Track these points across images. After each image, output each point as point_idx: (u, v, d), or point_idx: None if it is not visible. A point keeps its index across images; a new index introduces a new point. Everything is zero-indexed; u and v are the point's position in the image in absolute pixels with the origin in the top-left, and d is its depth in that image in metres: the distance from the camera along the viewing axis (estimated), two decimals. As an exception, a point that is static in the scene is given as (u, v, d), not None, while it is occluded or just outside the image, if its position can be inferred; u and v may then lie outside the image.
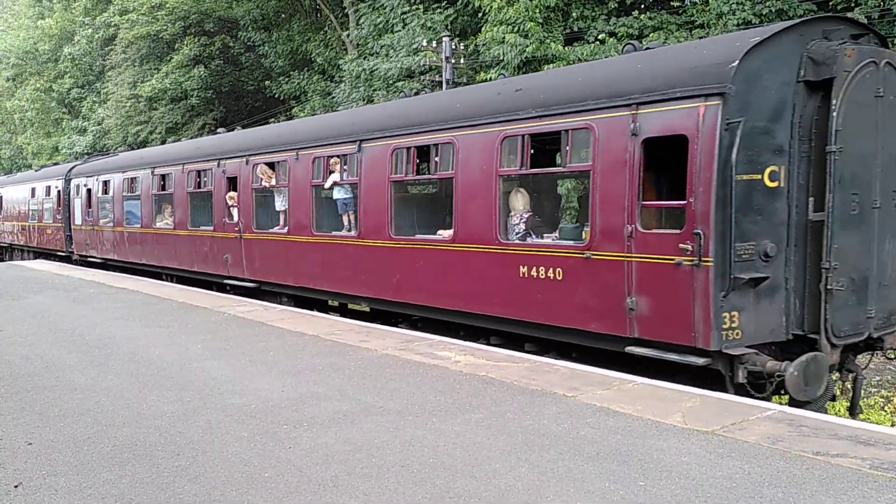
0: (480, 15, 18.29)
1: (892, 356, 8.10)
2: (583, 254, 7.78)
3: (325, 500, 4.47)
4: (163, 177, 16.62)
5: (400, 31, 20.37)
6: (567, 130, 7.95)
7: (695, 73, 6.88)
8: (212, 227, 14.81)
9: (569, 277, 7.95)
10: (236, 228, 13.88)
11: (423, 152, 10.00)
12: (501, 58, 16.77)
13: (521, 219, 8.74)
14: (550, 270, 8.15)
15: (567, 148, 8.00)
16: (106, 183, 20.00)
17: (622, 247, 7.40)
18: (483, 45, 17.65)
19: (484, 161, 8.84)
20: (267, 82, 31.42)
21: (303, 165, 12.02)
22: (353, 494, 4.52)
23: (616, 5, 16.69)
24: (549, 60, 16.00)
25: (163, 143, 33.50)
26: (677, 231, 7.00)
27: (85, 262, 21.88)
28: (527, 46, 16.04)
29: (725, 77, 6.54)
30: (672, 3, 16.39)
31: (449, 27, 19.24)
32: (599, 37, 16.02)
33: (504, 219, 8.77)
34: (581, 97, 7.88)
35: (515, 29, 16.42)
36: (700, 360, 6.90)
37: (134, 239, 18.40)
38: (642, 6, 17.34)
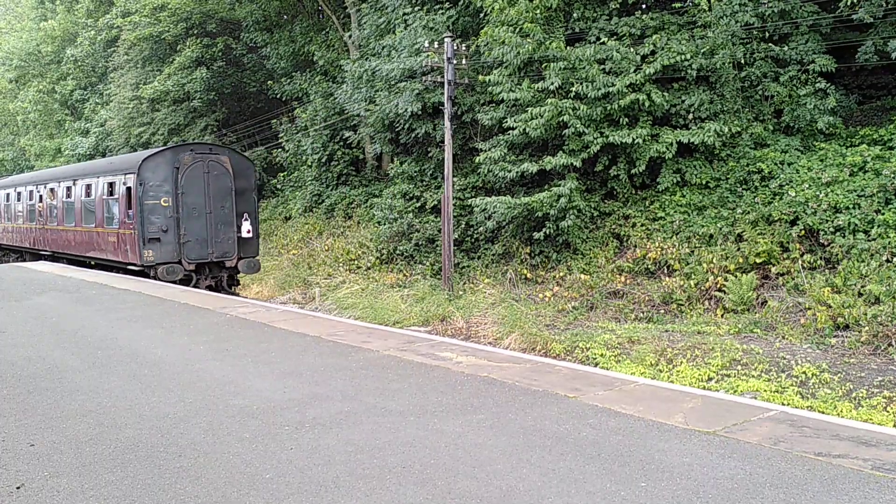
0: (482, 15, 18.26)
1: (238, 268, 18.59)
2: (118, 230, 18.60)
3: (327, 500, 4.47)
4: (19, 193, 27.53)
5: (402, 31, 20.37)
6: (114, 181, 18.82)
7: (131, 164, 18.05)
8: (33, 223, 25.76)
9: (118, 240, 18.65)
10: (42, 223, 24.68)
11: (90, 186, 20.48)
12: (502, 59, 16.75)
13: (117, 218, 18.68)
14: (114, 237, 18.93)
15: (117, 188, 18.61)
16: None
17: (124, 227, 18.21)
18: (485, 45, 17.62)
19: (101, 192, 19.63)
20: (269, 83, 31.43)
21: (62, 189, 22.66)
22: (354, 495, 4.53)
23: (618, 6, 16.64)
24: (550, 61, 15.96)
25: (164, 143, 33.64)
26: (131, 221, 17.60)
27: None
28: (524, 47, 16.01)
29: (136, 167, 17.34)
30: (674, 5, 16.35)
31: (450, 28, 19.21)
32: (601, 37, 15.98)
33: (107, 217, 19.23)
34: (116, 169, 19.18)
35: (516, 30, 16.39)
36: (137, 268, 17.79)
37: (5, 230, 29.89)
38: (644, 6, 17.29)
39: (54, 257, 23.95)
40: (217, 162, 18.17)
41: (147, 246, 17.27)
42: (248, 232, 18.56)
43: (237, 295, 18.47)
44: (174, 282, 17.03)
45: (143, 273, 17.76)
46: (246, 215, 18.59)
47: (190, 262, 17.74)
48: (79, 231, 21.52)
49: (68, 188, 22.09)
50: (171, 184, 17.51)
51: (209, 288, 17.93)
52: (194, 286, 17.47)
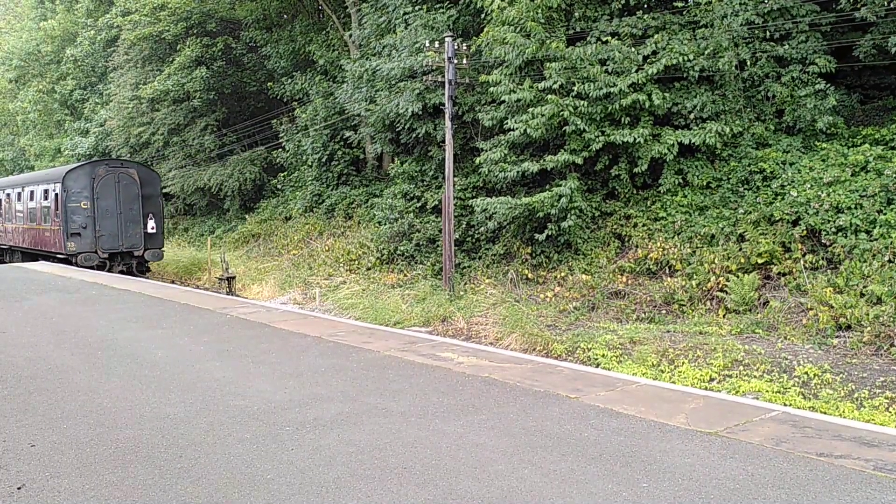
0: (483, 15, 18.24)
1: (144, 257, 23.54)
2: (51, 227, 23.55)
3: (328, 501, 4.46)
4: None
5: (402, 31, 20.35)
6: (48, 188, 23.75)
7: (58, 175, 23.40)
8: None
9: (52, 235, 23.43)
10: (2, 222, 29.22)
11: (33, 192, 24.96)
12: (503, 58, 16.72)
13: (50, 218, 23.19)
14: (48, 232, 23.70)
15: (50, 194, 23.50)
16: None
17: (54, 225, 23.31)
18: (486, 45, 17.59)
19: (43, 197, 24.00)
20: (269, 83, 31.40)
21: (15, 195, 27.32)
22: (355, 496, 4.51)
23: (620, 7, 16.61)
24: (551, 61, 15.94)
25: (165, 144, 33.55)
26: (59, 220, 22.91)
27: None
28: (527, 47, 15.98)
29: (62, 177, 22.67)
30: (675, 4, 16.31)
31: (451, 27, 19.19)
32: (602, 38, 15.94)
33: (44, 217, 23.78)
34: (49, 179, 24.26)
35: (517, 29, 16.37)
36: (63, 256, 22.98)
37: None
38: (646, 6, 17.23)
39: (12, 250, 29.36)
40: (126, 174, 23.60)
41: (70, 239, 22.34)
42: (153, 228, 23.89)
43: (147, 277, 23.02)
44: (91, 267, 21.84)
45: (67, 260, 22.73)
46: (151, 215, 23.79)
47: (104, 252, 22.78)
48: (26, 228, 26.73)
49: (19, 193, 27.28)
50: (89, 191, 22.62)
51: (121, 272, 22.63)
52: (108, 270, 22.31)
